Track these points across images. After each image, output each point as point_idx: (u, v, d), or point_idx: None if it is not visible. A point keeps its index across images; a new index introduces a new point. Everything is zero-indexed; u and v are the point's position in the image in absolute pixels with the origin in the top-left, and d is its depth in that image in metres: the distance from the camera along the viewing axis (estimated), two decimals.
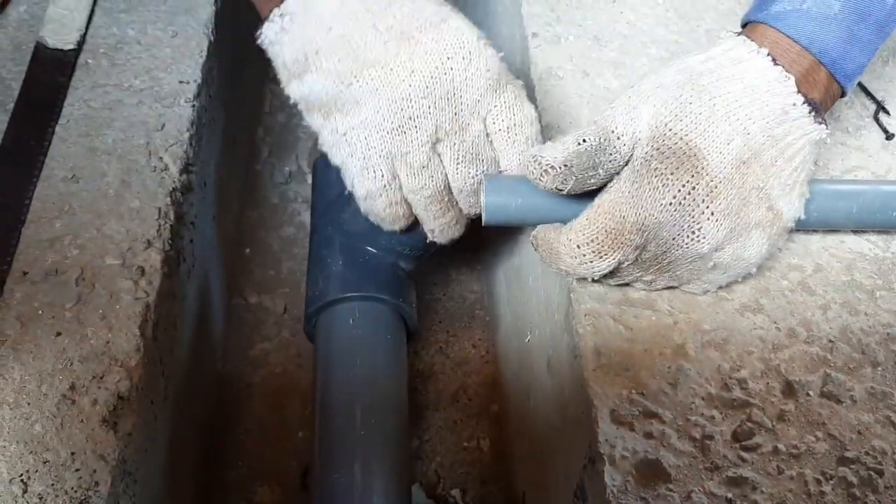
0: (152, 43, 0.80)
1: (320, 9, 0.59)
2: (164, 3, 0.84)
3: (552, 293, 0.67)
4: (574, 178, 0.54)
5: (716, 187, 0.53)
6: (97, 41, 0.79)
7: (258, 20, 0.64)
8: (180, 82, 0.76)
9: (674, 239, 0.54)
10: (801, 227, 0.60)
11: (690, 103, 0.54)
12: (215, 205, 0.87)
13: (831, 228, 0.64)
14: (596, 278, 0.57)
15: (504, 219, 0.60)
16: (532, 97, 0.76)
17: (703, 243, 0.54)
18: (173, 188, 0.69)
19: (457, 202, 0.64)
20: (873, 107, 0.76)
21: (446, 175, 0.62)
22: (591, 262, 0.55)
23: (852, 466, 0.52)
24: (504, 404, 0.91)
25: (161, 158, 0.70)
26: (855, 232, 0.65)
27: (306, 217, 1.06)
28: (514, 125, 0.61)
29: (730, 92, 0.54)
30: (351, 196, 0.69)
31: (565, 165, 0.53)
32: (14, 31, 0.79)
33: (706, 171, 0.53)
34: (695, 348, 0.58)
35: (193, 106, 0.75)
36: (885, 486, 0.51)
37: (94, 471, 0.52)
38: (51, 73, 0.75)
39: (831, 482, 0.52)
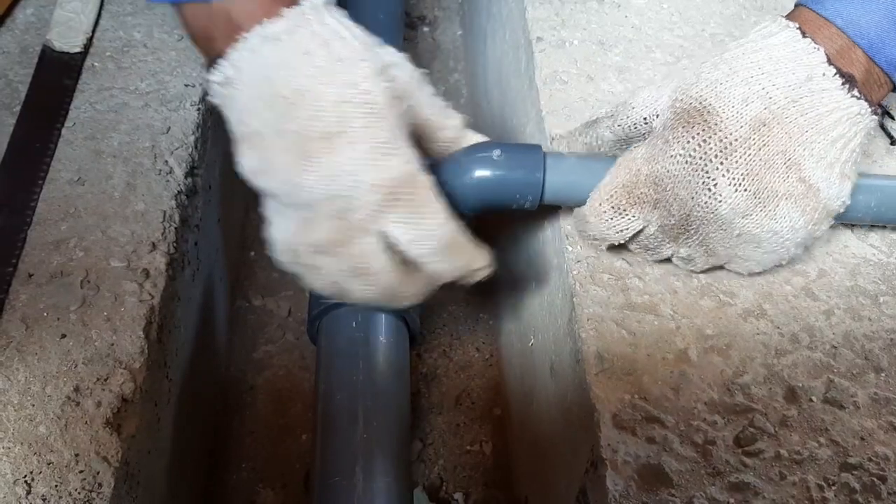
0: (158, 46, 0.80)
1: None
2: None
3: (555, 297, 0.67)
4: (576, 142, 0.60)
5: (731, 144, 0.53)
6: (104, 44, 0.80)
7: None
8: (186, 85, 0.77)
9: (692, 197, 0.54)
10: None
11: (710, 72, 0.55)
12: (220, 207, 0.87)
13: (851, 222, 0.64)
14: (623, 241, 0.58)
15: (561, 198, 0.62)
16: (536, 101, 0.76)
17: (721, 203, 0.54)
18: (178, 191, 0.69)
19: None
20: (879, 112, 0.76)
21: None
22: (611, 218, 0.56)
23: (855, 472, 0.52)
24: (507, 408, 0.91)
25: (166, 161, 0.70)
26: (858, 237, 0.65)
27: None
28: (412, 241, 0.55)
29: (753, 62, 0.54)
30: None
31: (569, 134, 0.59)
32: (21, 34, 0.79)
33: (719, 127, 0.53)
34: (697, 353, 0.58)
35: (199, 109, 0.75)
36: (889, 492, 0.51)
37: (98, 472, 0.52)
38: (57, 76, 0.75)
39: (834, 488, 0.51)
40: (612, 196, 0.57)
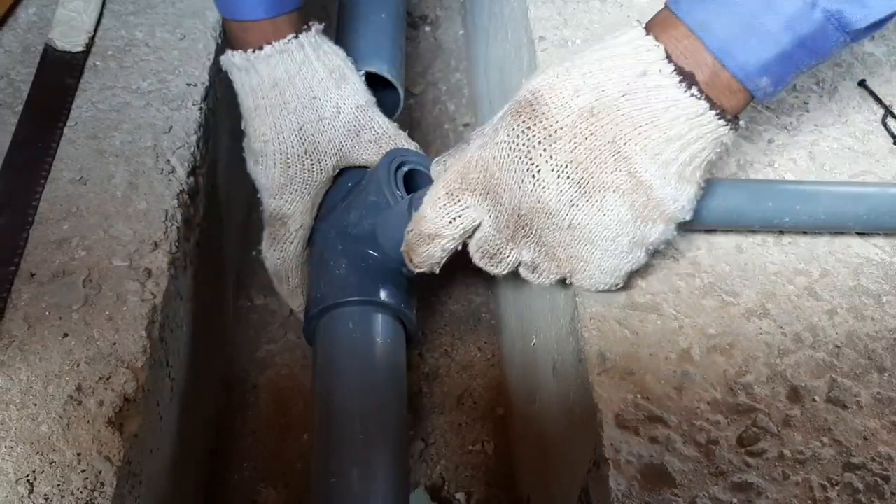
0: (160, 45, 0.80)
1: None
2: (173, 6, 0.84)
3: (558, 297, 0.67)
4: None
5: (555, 132, 0.52)
6: (106, 43, 0.80)
7: None
8: (188, 85, 0.77)
9: (518, 186, 0.54)
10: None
11: (553, 68, 0.54)
12: (222, 207, 0.87)
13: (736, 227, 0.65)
14: (456, 236, 0.57)
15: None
16: None
17: (545, 190, 0.53)
18: (180, 190, 0.69)
19: None
20: (881, 112, 0.76)
21: None
22: (445, 205, 0.56)
23: (858, 472, 0.52)
24: (509, 408, 0.91)
25: (168, 161, 0.70)
26: (862, 238, 0.65)
27: None
28: None
29: (596, 58, 0.53)
30: (355, 199, 0.69)
31: None
32: (23, 33, 0.79)
33: (545, 115, 0.53)
34: (700, 353, 0.58)
35: (201, 108, 0.76)
36: (892, 491, 0.51)
37: (100, 472, 0.52)
38: (59, 75, 0.75)
39: (837, 488, 0.51)
40: (446, 183, 0.57)
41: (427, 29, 1.41)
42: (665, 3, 0.53)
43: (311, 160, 0.74)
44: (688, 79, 0.50)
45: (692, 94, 0.50)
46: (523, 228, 0.56)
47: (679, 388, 0.56)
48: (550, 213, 0.54)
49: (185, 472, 0.72)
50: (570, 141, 0.52)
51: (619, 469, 0.51)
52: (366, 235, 0.72)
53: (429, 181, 0.61)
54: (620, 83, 0.51)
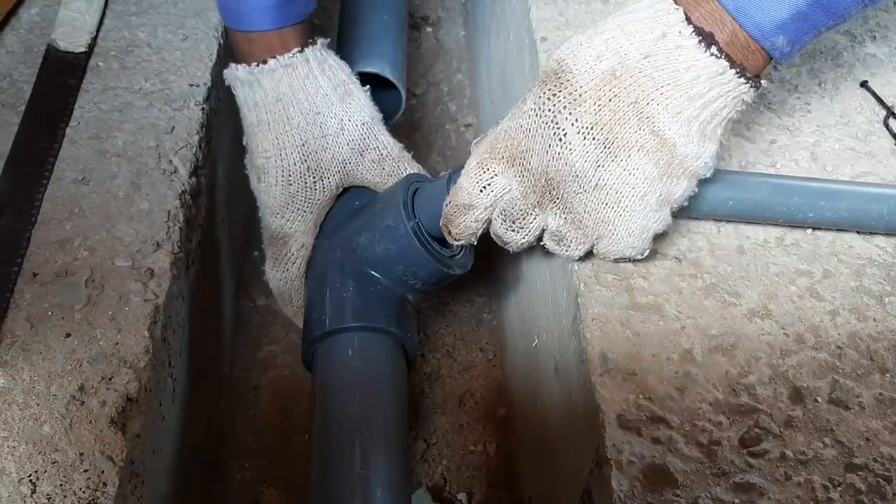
0: (162, 46, 0.80)
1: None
2: (175, 7, 0.85)
3: (560, 298, 0.67)
4: None
5: (580, 96, 0.54)
6: (108, 44, 0.80)
7: None
8: (190, 85, 0.77)
9: (546, 151, 0.55)
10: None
11: (576, 37, 0.56)
12: (224, 208, 0.87)
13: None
14: (487, 205, 0.58)
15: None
16: None
17: (573, 152, 0.54)
18: (183, 191, 0.69)
19: None
20: (883, 113, 0.76)
21: None
22: (476, 174, 0.57)
23: (860, 473, 0.52)
24: (511, 408, 0.91)
25: (171, 161, 0.70)
26: (864, 238, 0.65)
27: None
28: None
29: (617, 24, 0.55)
30: (367, 222, 0.68)
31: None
32: (25, 33, 0.80)
33: (570, 82, 0.54)
34: (702, 353, 0.58)
35: (203, 109, 0.76)
36: (894, 492, 0.51)
37: (102, 471, 0.52)
38: (62, 76, 0.75)
39: (839, 489, 0.51)
40: (478, 153, 0.58)
41: (429, 30, 1.41)
42: None
43: (314, 177, 0.72)
44: (707, 38, 0.52)
45: (712, 54, 0.52)
46: (550, 193, 0.56)
47: (681, 389, 0.56)
48: (577, 175, 0.55)
49: (187, 472, 0.72)
50: (595, 104, 0.54)
51: (621, 469, 0.51)
52: (376, 259, 0.69)
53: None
54: (641, 46, 0.53)
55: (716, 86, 0.53)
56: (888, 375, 0.57)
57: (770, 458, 0.52)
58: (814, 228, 0.66)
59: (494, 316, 1.01)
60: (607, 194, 0.56)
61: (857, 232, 0.66)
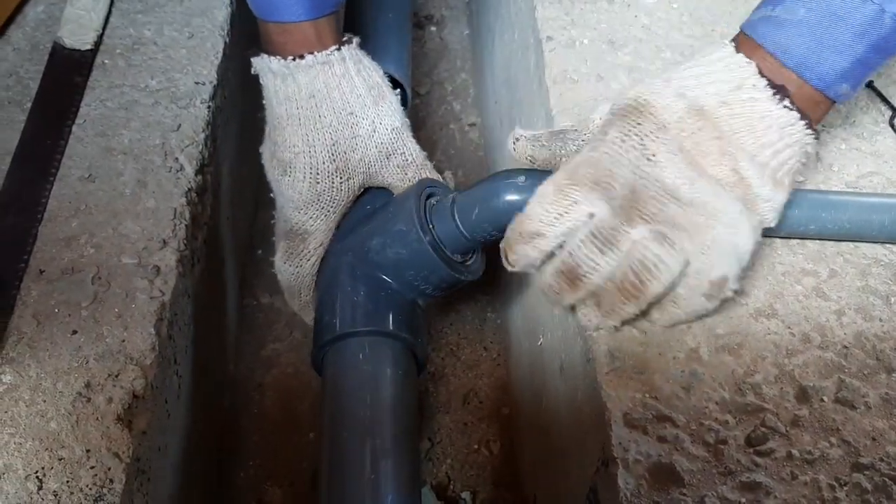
0: (168, 44, 0.80)
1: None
2: (181, 5, 0.85)
3: None
4: (542, 147, 0.61)
5: (665, 126, 0.55)
6: (114, 42, 0.80)
7: None
8: (196, 83, 0.77)
9: (633, 171, 0.54)
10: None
11: (645, 81, 0.57)
12: (229, 206, 0.87)
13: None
14: (561, 233, 0.55)
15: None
16: (546, 101, 0.76)
17: (665, 170, 0.54)
18: (188, 189, 0.69)
19: None
20: (889, 112, 0.76)
21: None
22: (554, 201, 0.55)
23: (866, 472, 0.52)
24: (515, 407, 0.91)
25: (177, 159, 0.70)
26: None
27: None
28: None
29: (690, 74, 0.57)
30: (379, 225, 0.68)
31: (533, 136, 0.61)
32: (32, 31, 0.80)
33: (653, 115, 0.55)
34: (708, 352, 0.58)
35: (209, 107, 0.76)
36: None
37: (109, 468, 0.52)
38: (68, 73, 0.75)
39: (845, 488, 0.51)
40: (555, 181, 0.56)
41: (433, 29, 1.41)
42: (741, 28, 0.57)
43: (341, 178, 0.71)
44: (780, 91, 0.55)
45: (785, 106, 0.55)
46: (639, 210, 0.54)
47: (687, 388, 0.56)
48: (670, 191, 0.54)
49: (193, 469, 0.72)
50: (679, 133, 0.55)
51: (627, 468, 0.51)
52: (387, 264, 0.68)
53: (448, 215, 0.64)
54: (718, 95, 0.55)
55: (786, 136, 0.55)
56: (894, 375, 0.57)
57: (776, 458, 0.52)
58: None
59: (498, 315, 1.01)
60: (704, 208, 0.54)
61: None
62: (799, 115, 0.55)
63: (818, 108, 0.56)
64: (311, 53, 0.68)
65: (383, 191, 0.75)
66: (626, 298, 0.54)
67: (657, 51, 0.80)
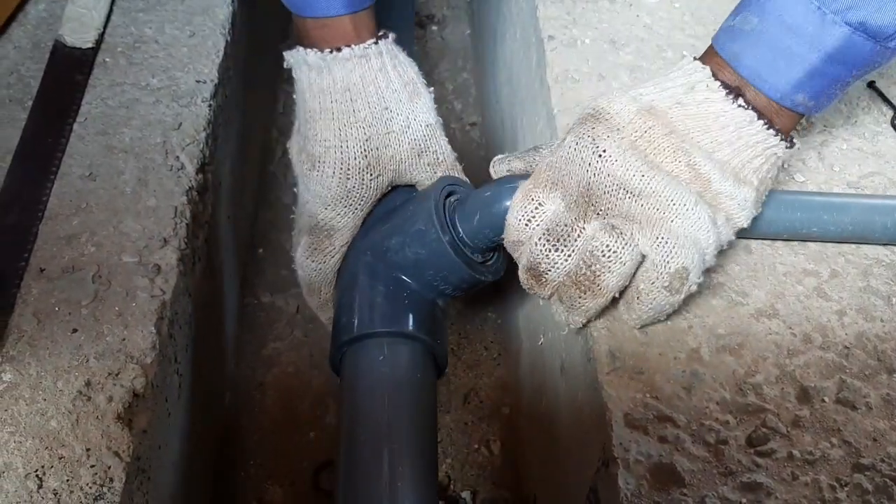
0: (170, 42, 0.80)
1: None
2: (182, 3, 0.85)
3: None
4: (517, 160, 0.64)
5: (619, 128, 0.56)
6: (115, 40, 0.80)
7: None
8: (197, 82, 0.77)
9: (586, 169, 0.56)
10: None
11: (611, 92, 0.59)
12: (230, 205, 0.87)
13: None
14: (530, 231, 0.57)
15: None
16: (548, 100, 0.76)
17: (615, 164, 0.55)
18: (189, 187, 0.69)
19: None
20: (890, 113, 0.76)
21: None
22: (522, 207, 0.57)
23: (867, 473, 0.52)
24: (515, 407, 0.91)
25: (178, 157, 0.70)
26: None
27: None
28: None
29: (651, 82, 0.59)
30: (398, 225, 0.67)
31: (510, 154, 0.65)
32: (33, 29, 0.80)
33: (608, 119, 0.57)
34: (709, 353, 0.58)
35: (210, 105, 0.76)
36: None
37: (109, 467, 0.52)
38: (69, 72, 0.75)
39: (846, 489, 0.51)
40: (522, 188, 0.58)
41: (434, 28, 1.41)
42: (711, 39, 0.59)
43: (371, 175, 0.70)
44: (734, 91, 0.56)
45: (740, 105, 0.55)
46: (593, 205, 0.56)
47: (688, 388, 0.56)
48: (622, 184, 0.55)
49: (193, 468, 0.72)
50: (632, 133, 0.56)
51: (628, 468, 0.51)
52: (406, 264, 0.67)
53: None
54: (673, 97, 0.57)
55: (744, 134, 0.56)
56: (895, 376, 0.57)
57: (777, 458, 0.52)
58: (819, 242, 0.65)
59: (499, 314, 1.01)
60: (657, 199, 0.55)
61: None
62: (756, 115, 0.55)
63: (780, 117, 0.56)
64: (349, 46, 0.67)
65: (405, 188, 0.74)
66: (581, 292, 0.56)
67: (659, 50, 0.80)
